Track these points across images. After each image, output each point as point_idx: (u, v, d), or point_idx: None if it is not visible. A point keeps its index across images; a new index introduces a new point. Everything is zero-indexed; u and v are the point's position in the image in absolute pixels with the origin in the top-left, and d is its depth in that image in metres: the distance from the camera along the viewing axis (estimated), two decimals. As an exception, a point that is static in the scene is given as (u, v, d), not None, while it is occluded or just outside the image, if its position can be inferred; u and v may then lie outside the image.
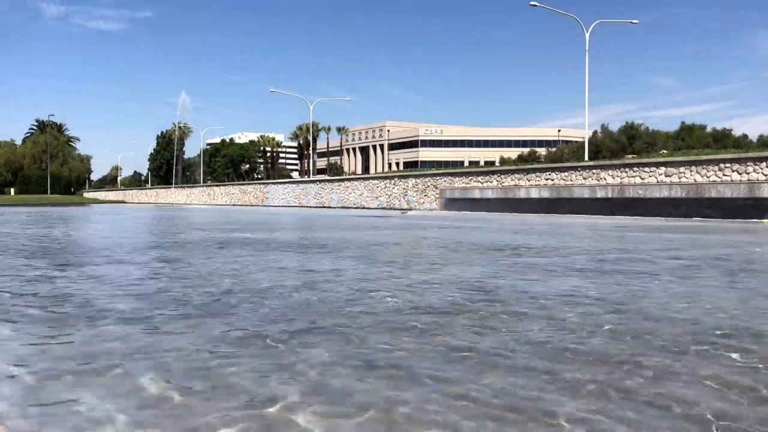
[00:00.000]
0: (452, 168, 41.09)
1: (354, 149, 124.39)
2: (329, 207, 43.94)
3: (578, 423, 1.85)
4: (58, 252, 7.69)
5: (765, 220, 18.04)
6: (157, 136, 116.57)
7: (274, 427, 1.83)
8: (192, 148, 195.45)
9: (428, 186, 36.06)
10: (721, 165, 22.13)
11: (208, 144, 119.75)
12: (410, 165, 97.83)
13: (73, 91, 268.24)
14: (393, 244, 9.27)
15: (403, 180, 38.82)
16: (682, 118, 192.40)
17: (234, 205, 58.59)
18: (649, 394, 2.11)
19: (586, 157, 36.55)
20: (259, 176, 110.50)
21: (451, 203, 32.63)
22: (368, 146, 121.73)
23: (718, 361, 2.55)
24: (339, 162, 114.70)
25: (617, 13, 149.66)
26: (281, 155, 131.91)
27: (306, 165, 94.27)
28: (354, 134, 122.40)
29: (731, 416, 1.92)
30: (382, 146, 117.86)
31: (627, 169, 25.11)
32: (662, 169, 23.88)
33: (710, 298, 4.12)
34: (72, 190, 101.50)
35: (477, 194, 31.04)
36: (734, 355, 2.62)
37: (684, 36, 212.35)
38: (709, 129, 50.03)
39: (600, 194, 24.98)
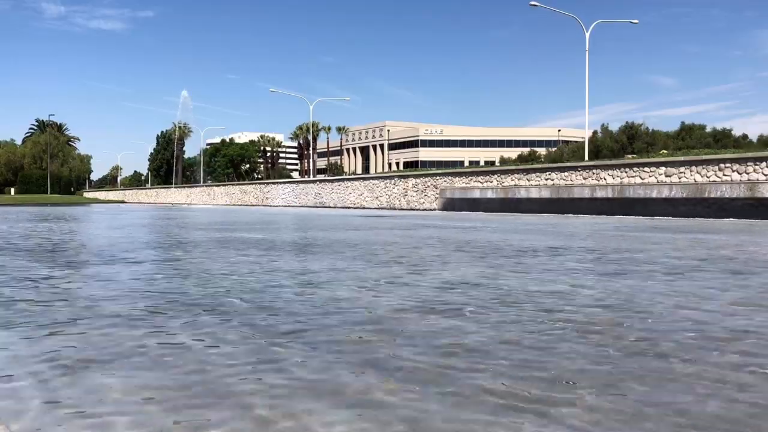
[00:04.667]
0: (452, 168, 41.07)
1: (354, 149, 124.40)
2: (329, 207, 43.92)
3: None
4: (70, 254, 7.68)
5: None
6: (157, 136, 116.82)
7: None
8: (192, 148, 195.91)
9: (428, 186, 36.04)
10: (721, 165, 22.11)
11: (208, 144, 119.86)
12: (410, 165, 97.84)
13: (73, 91, 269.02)
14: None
15: (403, 180, 38.80)
16: (682, 118, 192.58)
17: (234, 205, 58.60)
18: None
19: (586, 157, 36.55)
20: (259, 176, 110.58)
21: (451, 203, 32.61)
22: (368, 146, 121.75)
23: None
24: (339, 162, 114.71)
25: (617, 13, 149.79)
26: (281, 155, 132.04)
27: (306, 165, 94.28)
28: (354, 134, 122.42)
29: None
30: (382, 146, 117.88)
31: (627, 169, 25.09)
32: (662, 169, 23.86)
33: None
34: (72, 190, 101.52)
35: (477, 194, 31.02)
36: None
37: (684, 36, 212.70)
38: (709, 129, 50.10)
39: (600, 194, 24.95)
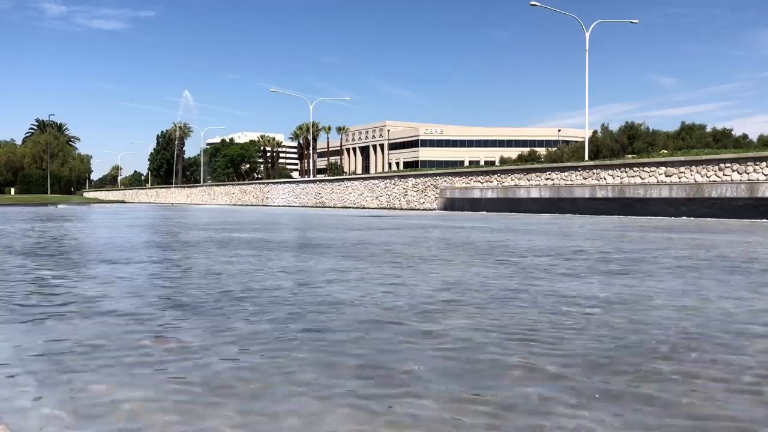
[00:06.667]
0: (452, 168, 41.07)
1: (354, 149, 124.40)
2: (329, 207, 43.94)
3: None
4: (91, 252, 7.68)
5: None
6: (157, 135, 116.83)
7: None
8: (192, 148, 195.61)
9: (428, 186, 36.05)
10: (721, 165, 22.12)
11: (208, 144, 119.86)
12: (410, 165, 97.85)
13: (73, 91, 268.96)
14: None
15: (403, 180, 38.81)
16: (682, 117, 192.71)
17: (234, 205, 58.60)
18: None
19: (586, 157, 36.57)
20: (259, 176, 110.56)
21: (451, 203, 32.63)
22: (368, 146, 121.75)
23: None
24: (339, 162, 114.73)
25: (617, 13, 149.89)
26: (281, 155, 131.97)
27: (306, 165, 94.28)
28: (354, 134, 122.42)
29: None
30: (382, 146, 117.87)
31: (627, 169, 25.10)
32: (662, 169, 23.87)
33: None
34: (72, 189, 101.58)
35: (477, 194, 31.03)
36: None
37: (685, 36, 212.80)
38: (709, 129, 50.09)
39: (600, 194, 24.97)
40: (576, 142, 59.41)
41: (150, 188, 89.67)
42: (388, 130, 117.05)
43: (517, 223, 16.31)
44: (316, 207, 44.63)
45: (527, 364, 2.44)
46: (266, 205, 52.67)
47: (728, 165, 21.93)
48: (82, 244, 9.19)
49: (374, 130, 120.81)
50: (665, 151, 32.37)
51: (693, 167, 22.95)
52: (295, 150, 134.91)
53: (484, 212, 28.07)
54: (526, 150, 70.02)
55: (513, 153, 75.98)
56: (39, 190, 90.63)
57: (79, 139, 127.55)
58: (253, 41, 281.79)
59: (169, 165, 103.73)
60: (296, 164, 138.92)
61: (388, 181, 40.51)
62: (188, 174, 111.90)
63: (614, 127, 50.57)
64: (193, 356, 2.56)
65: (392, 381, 2.23)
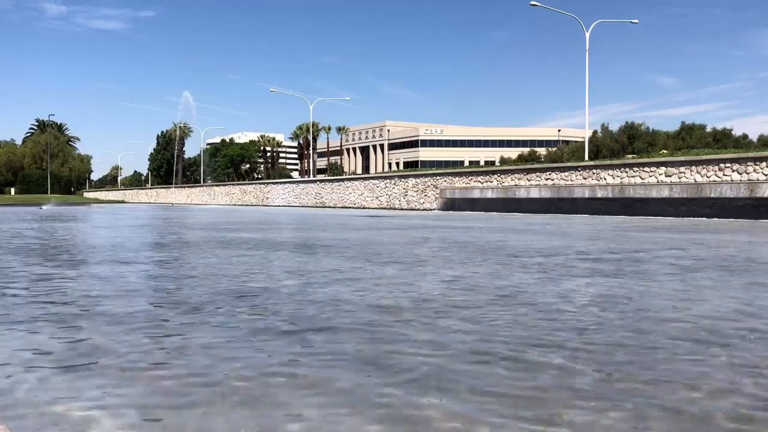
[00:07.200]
0: (452, 168, 41.08)
1: (354, 149, 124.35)
2: (329, 207, 43.94)
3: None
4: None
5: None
6: (157, 135, 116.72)
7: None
8: (192, 148, 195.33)
9: (428, 186, 36.07)
10: (721, 165, 22.14)
11: (208, 144, 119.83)
12: (410, 165, 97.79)
13: (73, 91, 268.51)
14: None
15: (403, 180, 38.83)
16: (682, 117, 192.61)
17: (234, 205, 58.61)
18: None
19: (586, 157, 36.57)
20: (260, 176, 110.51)
21: (451, 203, 32.64)
22: (368, 146, 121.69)
23: None
24: (339, 162, 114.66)
25: (617, 13, 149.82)
26: (281, 155, 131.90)
27: (306, 165, 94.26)
28: (354, 134, 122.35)
29: None
30: (382, 146, 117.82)
31: (627, 169, 25.12)
32: (662, 169, 23.89)
33: None
34: (72, 190, 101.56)
35: (477, 194, 31.05)
36: None
37: (685, 36, 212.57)
38: (709, 129, 50.03)
39: (600, 194, 24.98)
40: (576, 142, 59.40)
41: (150, 188, 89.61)
42: (388, 130, 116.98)
43: (518, 224, 16.34)
44: (316, 207, 44.64)
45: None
46: (266, 205, 52.67)
47: (728, 165, 21.95)
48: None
49: (374, 130, 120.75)
50: (665, 151, 32.38)
51: (693, 167, 22.96)
52: (295, 150, 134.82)
53: (484, 212, 28.09)
54: (526, 150, 69.98)
55: (513, 153, 75.91)
56: (39, 190, 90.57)
57: (79, 139, 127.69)
58: (253, 41, 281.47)
59: (169, 165, 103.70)
60: (296, 164, 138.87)
61: (388, 181, 40.53)
62: (188, 174, 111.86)
63: (614, 127, 50.64)
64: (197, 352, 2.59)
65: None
